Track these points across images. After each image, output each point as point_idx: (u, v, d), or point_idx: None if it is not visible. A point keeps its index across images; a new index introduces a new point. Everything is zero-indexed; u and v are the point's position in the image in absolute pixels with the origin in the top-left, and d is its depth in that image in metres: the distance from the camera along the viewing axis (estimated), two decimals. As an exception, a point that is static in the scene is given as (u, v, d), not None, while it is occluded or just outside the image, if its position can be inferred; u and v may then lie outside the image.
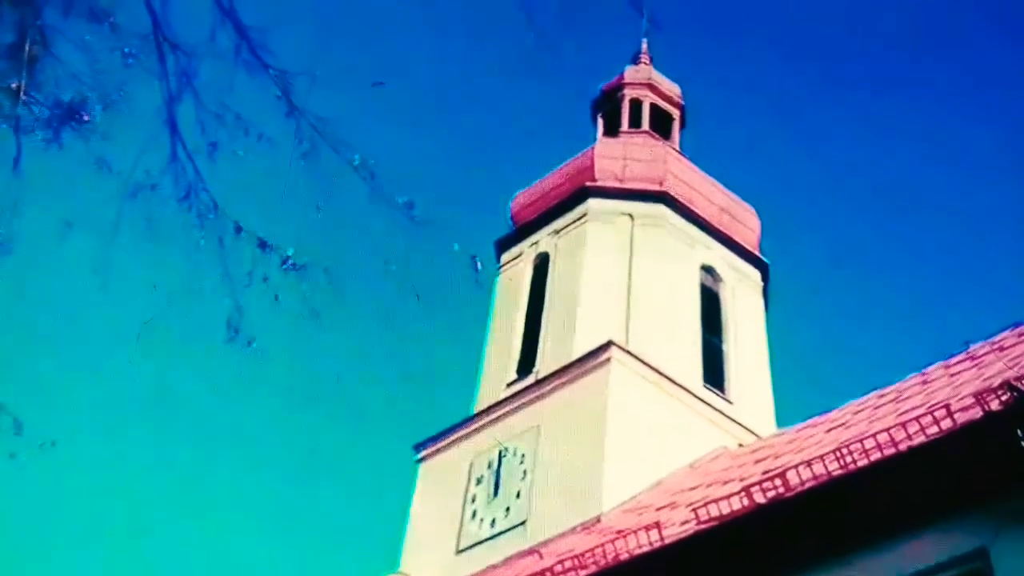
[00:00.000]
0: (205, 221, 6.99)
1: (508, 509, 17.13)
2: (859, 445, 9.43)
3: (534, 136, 47.09)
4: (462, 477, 18.35)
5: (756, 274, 21.83)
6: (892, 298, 49.52)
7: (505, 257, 22.07)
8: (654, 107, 24.86)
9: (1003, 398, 8.44)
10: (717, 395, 19.05)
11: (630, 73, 25.62)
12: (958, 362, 12.18)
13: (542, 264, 21.25)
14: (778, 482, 9.89)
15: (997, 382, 8.81)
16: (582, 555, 11.43)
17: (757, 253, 22.11)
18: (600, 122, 24.96)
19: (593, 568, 11.14)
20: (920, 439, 9.00)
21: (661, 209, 20.85)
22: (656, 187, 21.15)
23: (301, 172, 7.09)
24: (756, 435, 18.00)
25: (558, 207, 21.55)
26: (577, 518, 15.75)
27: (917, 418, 9.28)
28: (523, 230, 22.16)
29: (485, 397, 19.64)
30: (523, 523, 16.68)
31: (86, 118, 7.03)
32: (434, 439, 19.58)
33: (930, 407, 9.57)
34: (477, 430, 18.88)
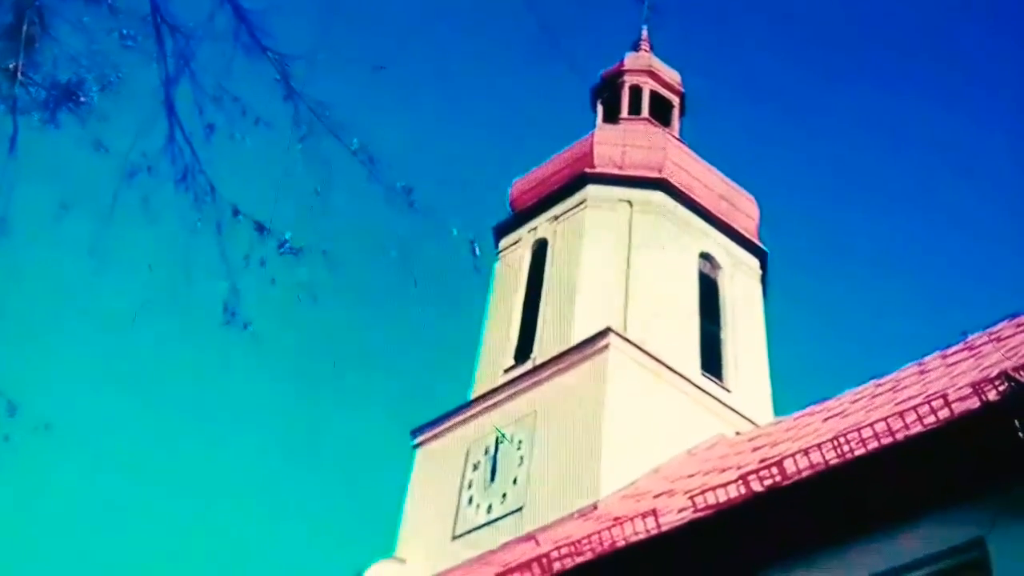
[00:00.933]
0: (202, 204, 6.95)
1: (505, 495, 17.15)
2: (856, 434, 9.43)
3: (533, 122, 47.03)
4: (459, 463, 18.36)
5: (755, 262, 21.82)
6: (890, 287, 49.56)
7: (504, 243, 22.05)
8: (654, 94, 24.81)
9: (1000, 388, 8.45)
10: (715, 383, 19.06)
11: (630, 60, 25.56)
12: (956, 352, 12.18)
13: (540, 250, 21.23)
14: (775, 470, 9.90)
15: (995, 372, 8.81)
16: (579, 541, 11.44)
17: (756, 241, 22.10)
18: (600, 109, 24.90)
19: (590, 555, 11.14)
20: (917, 429, 9.00)
21: (660, 196, 20.82)
22: (655, 174, 21.12)
23: (299, 156, 7.05)
24: (753, 423, 18.01)
25: (557, 193, 21.53)
26: (574, 504, 15.76)
27: (915, 408, 9.29)
28: (522, 216, 22.13)
29: (482, 383, 19.64)
30: (520, 509, 16.69)
31: (83, 99, 6.99)
32: (431, 424, 19.58)
33: (928, 397, 9.57)
34: (474, 416, 18.89)
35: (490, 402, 18.78)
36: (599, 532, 11.25)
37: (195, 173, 6.93)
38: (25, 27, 6.73)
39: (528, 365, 18.96)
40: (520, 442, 17.57)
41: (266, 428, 47.09)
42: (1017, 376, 8.34)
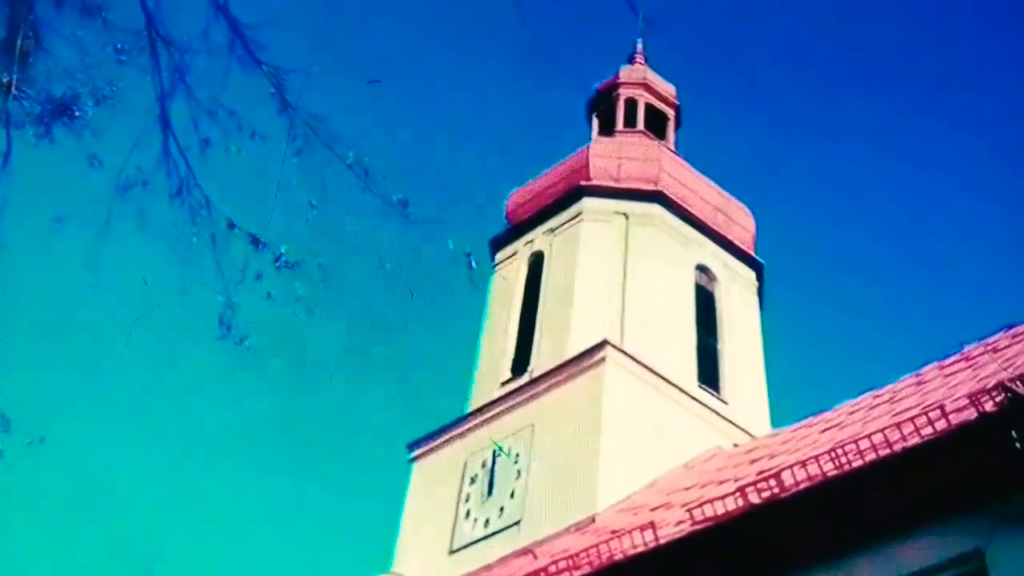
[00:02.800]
0: (197, 218, 6.95)
1: (502, 509, 17.09)
2: (854, 446, 9.40)
3: (529, 135, 47.09)
4: (456, 476, 18.31)
5: (751, 274, 21.83)
6: (887, 298, 49.59)
7: (500, 256, 22.04)
8: (649, 107, 24.84)
9: (997, 399, 8.43)
10: (712, 395, 19.03)
11: (625, 73, 25.60)
12: (953, 363, 12.16)
13: (537, 263, 21.22)
14: (773, 482, 9.87)
15: (991, 383, 8.80)
16: (576, 555, 11.39)
17: (752, 253, 22.11)
18: (595, 121, 24.94)
19: (587, 568, 11.10)
20: (915, 440, 8.98)
21: (656, 208, 20.84)
22: (651, 186, 21.13)
23: (295, 169, 7.05)
24: (751, 435, 17.97)
25: (553, 206, 21.54)
26: (571, 518, 15.71)
27: (912, 419, 9.26)
28: (518, 229, 22.14)
29: (479, 396, 19.60)
30: (517, 523, 16.63)
31: (78, 113, 6.98)
32: (428, 438, 19.53)
33: (925, 408, 9.55)
34: (471, 429, 18.84)
35: (487, 415, 18.74)
36: (597, 545, 11.21)
37: (190, 187, 6.93)
38: (19, 41, 6.72)
39: (525, 378, 18.93)
40: (517, 455, 17.52)
41: (262, 442, 47.00)
42: (1014, 387, 8.33)
